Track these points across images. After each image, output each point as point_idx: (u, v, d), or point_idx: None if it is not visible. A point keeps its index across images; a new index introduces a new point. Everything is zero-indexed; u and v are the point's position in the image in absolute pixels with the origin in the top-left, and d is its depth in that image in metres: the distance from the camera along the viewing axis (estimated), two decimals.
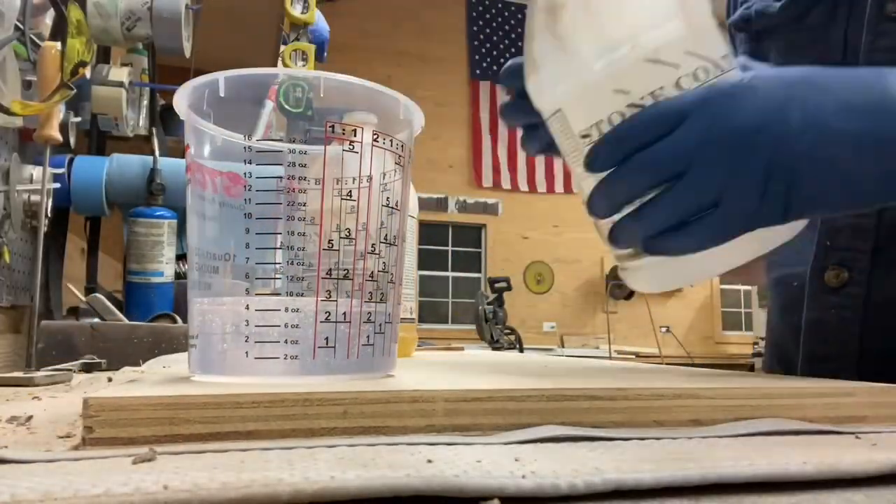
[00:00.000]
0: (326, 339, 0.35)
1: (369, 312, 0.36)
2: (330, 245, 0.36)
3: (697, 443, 0.27)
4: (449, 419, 0.28)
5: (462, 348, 1.05)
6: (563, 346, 5.36)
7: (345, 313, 0.35)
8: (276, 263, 0.35)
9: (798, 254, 0.48)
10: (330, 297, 0.35)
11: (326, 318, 0.35)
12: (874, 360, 0.54)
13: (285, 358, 0.34)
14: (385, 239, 0.38)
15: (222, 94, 0.36)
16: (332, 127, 0.36)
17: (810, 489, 0.22)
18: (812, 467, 0.22)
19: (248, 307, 0.34)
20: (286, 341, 0.34)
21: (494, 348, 3.80)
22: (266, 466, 0.21)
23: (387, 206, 0.38)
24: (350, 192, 0.36)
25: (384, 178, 0.38)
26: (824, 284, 0.56)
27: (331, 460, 0.22)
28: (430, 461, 0.22)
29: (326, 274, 0.35)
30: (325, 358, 0.35)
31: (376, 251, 0.37)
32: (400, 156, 0.39)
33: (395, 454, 0.24)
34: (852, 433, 0.29)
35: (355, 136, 0.36)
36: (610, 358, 4.39)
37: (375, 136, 0.37)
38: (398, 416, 0.27)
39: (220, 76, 0.36)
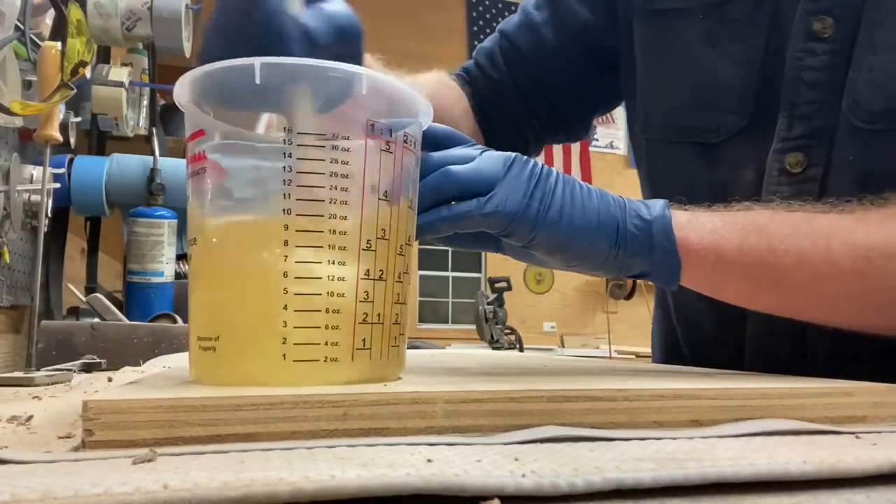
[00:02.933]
0: (363, 340, 0.34)
1: (397, 314, 0.36)
2: (368, 245, 0.35)
3: (697, 443, 0.27)
4: (449, 420, 0.28)
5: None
6: (563, 346, 5.36)
7: (379, 314, 0.35)
8: (317, 262, 0.33)
9: None
10: (367, 297, 0.35)
11: (364, 320, 0.34)
12: (823, 364, 0.56)
13: (325, 360, 0.33)
14: (408, 240, 0.38)
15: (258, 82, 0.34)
16: (373, 126, 0.35)
17: (810, 489, 0.22)
18: (812, 467, 0.22)
19: (286, 307, 0.32)
20: (326, 343, 0.33)
21: (494, 348, 3.80)
22: (266, 466, 0.21)
23: (409, 206, 0.38)
24: (386, 191, 0.36)
25: (411, 176, 0.38)
26: None
27: (331, 460, 0.22)
28: (429, 461, 0.22)
29: (365, 274, 0.35)
30: (362, 360, 0.34)
31: (403, 252, 0.37)
32: (417, 156, 0.39)
33: (395, 454, 0.24)
34: (852, 433, 0.30)
35: (391, 135, 0.36)
36: (610, 358, 4.39)
37: (405, 137, 0.37)
38: (398, 418, 0.27)
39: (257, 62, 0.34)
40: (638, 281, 5.35)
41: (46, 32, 0.97)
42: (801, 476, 0.22)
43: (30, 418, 0.32)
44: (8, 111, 0.74)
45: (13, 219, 0.96)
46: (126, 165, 1.21)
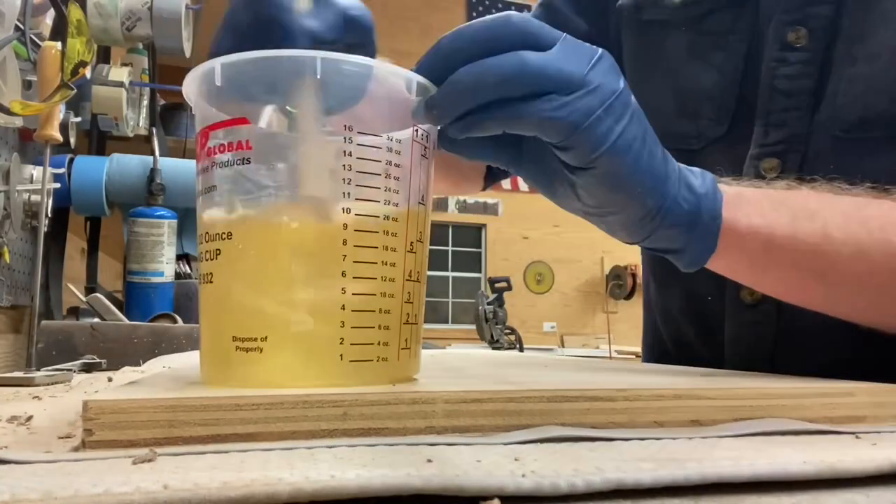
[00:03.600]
0: (406, 340, 0.34)
1: (421, 315, 0.37)
2: (411, 247, 0.35)
3: (697, 443, 0.27)
4: (449, 420, 0.28)
5: None
6: (563, 346, 5.36)
7: (416, 315, 0.36)
8: (372, 263, 0.33)
9: (707, 271, 0.49)
10: (409, 299, 0.35)
11: (406, 320, 0.34)
12: (791, 373, 0.56)
13: (377, 360, 0.33)
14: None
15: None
16: (417, 130, 0.35)
17: (810, 489, 0.22)
18: (812, 467, 0.22)
19: (343, 307, 0.32)
20: (378, 343, 0.33)
21: (494, 348, 3.80)
22: (266, 466, 0.21)
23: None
24: (423, 195, 0.36)
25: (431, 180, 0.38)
26: (740, 301, 0.58)
27: (331, 460, 0.22)
28: (429, 461, 0.22)
29: (408, 276, 0.35)
30: (403, 360, 0.34)
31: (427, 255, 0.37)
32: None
33: (395, 454, 0.24)
34: (852, 433, 0.30)
35: (427, 140, 0.36)
36: (610, 358, 4.39)
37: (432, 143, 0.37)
38: (398, 418, 0.27)
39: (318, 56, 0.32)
40: (638, 281, 5.35)
41: (46, 32, 0.98)
42: (801, 476, 0.22)
43: (30, 418, 0.32)
44: (8, 111, 0.74)
45: (13, 219, 0.96)
46: (126, 165, 1.21)
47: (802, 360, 0.56)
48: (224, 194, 0.33)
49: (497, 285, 4.27)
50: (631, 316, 5.65)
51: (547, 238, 5.81)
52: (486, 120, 0.36)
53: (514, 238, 5.80)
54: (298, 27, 0.37)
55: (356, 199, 0.32)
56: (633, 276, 5.40)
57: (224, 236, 0.33)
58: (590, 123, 0.35)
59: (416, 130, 0.35)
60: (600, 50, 0.37)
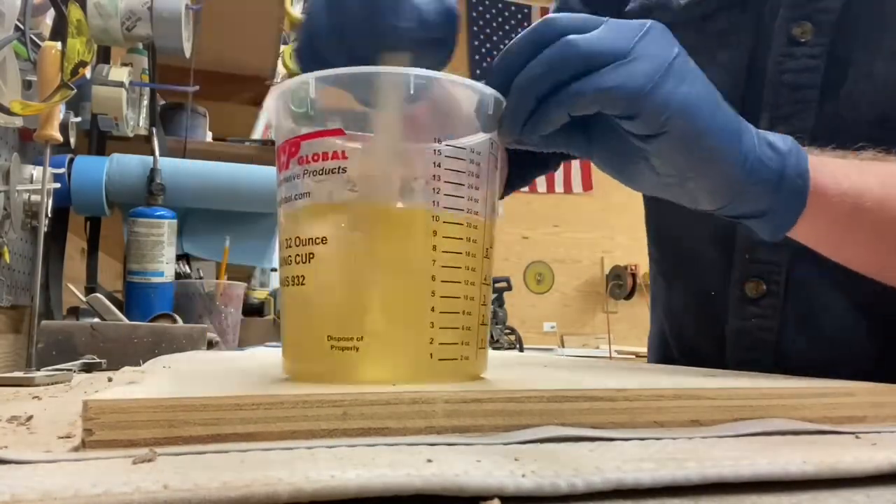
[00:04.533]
0: (482, 339, 0.37)
1: (489, 317, 0.39)
2: (486, 252, 0.37)
3: (697, 443, 0.27)
4: (449, 420, 0.28)
5: None
6: (563, 346, 5.35)
7: (487, 316, 0.38)
8: (457, 267, 0.35)
9: (713, 266, 0.49)
10: (484, 301, 0.37)
11: (482, 322, 0.37)
12: (794, 368, 0.56)
13: (461, 359, 0.35)
14: None
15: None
16: (492, 142, 0.37)
17: (810, 489, 0.22)
18: (812, 467, 0.22)
19: (433, 309, 0.34)
20: (462, 343, 0.35)
21: (494, 348, 3.81)
22: (266, 466, 0.21)
23: None
24: (494, 204, 0.38)
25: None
26: (745, 295, 0.58)
27: (331, 460, 0.22)
28: (430, 461, 0.22)
29: (483, 280, 0.37)
30: (480, 358, 0.37)
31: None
32: None
33: (396, 454, 0.24)
34: (852, 433, 0.29)
35: (497, 150, 0.38)
36: (610, 358, 4.39)
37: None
38: (398, 418, 0.27)
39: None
40: (638, 281, 5.35)
41: (46, 32, 0.98)
42: (801, 476, 0.22)
43: (30, 418, 0.32)
44: (8, 111, 0.74)
45: (13, 219, 0.96)
46: (126, 165, 1.21)
47: (806, 353, 0.56)
48: (319, 201, 0.35)
49: (497, 285, 4.27)
50: (631, 316, 5.65)
51: (547, 238, 5.81)
52: (549, 110, 0.36)
53: (514, 238, 5.79)
54: (389, 26, 0.38)
55: (444, 207, 0.35)
56: (633, 276, 5.39)
57: (319, 241, 0.34)
58: (653, 87, 0.35)
59: (492, 142, 0.37)
60: (650, 22, 0.37)
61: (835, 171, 0.42)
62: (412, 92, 0.34)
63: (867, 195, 0.42)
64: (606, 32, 0.36)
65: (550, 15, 0.37)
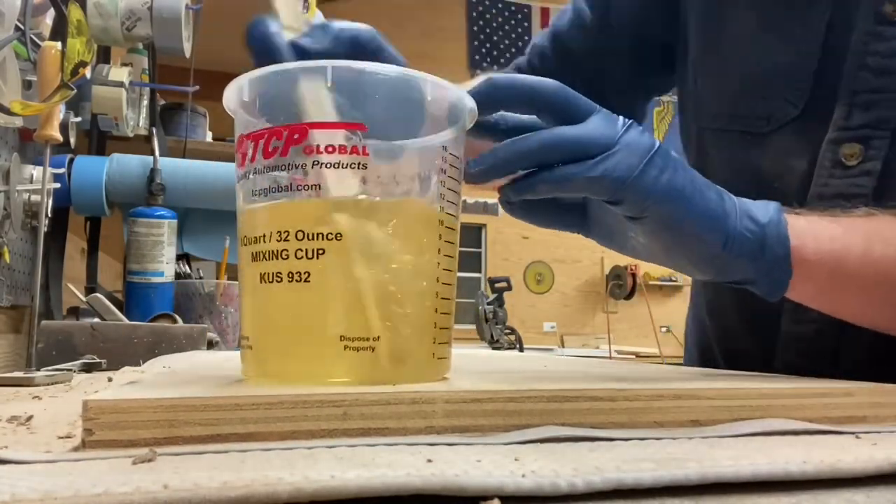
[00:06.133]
0: (451, 338, 0.38)
1: None
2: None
3: (697, 443, 0.27)
4: (449, 420, 0.28)
5: None
6: (563, 346, 5.35)
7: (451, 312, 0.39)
8: (449, 271, 0.37)
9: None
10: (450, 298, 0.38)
11: (454, 321, 0.38)
12: (850, 372, 0.55)
13: (447, 358, 0.37)
14: None
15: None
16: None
17: (810, 489, 0.22)
18: (812, 467, 0.22)
19: (436, 310, 0.35)
20: (447, 341, 0.37)
21: (494, 348, 3.80)
22: (266, 466, 0.21)
23: None
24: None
25: None
26: None
27: (331, 460, 0.22)
28: (430, 461, 0.22)
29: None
30: (451, 358, 0.38)
31: None
32: None
33: (395, 454, 0.24)
34: (852, 433, 0.29)
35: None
36: (610, 358, 4.39)
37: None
38: (398, 418, 0.27)
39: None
40: (638, 281, 5.35)
41: (46, 32, 0.98)
42: (801, 476, 0.22)
43: (30, 418, 0.32)
44: (8, 111, 0.74)
45: (13, 219, 0.96)
46: (126, 165, 1.21)
47: (866, 355, 0.53)
48: (329, 195, 0.33)
49: (497, 285, 4.27)
50: (631, 316, 5.65)
51: (547, 238, 5.80)
52: (536, 184, 0.39)
53: (513, 238, 5.79)
54: (285, 52, 0.41)
55: (447, 213, 0.36)
56: (634, 276, 5.39)
57: (331, 237, 0.33)
58: (636, 176, 0.38)
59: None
60: (629, 120, 0.40)
61: (818, 233, 0.43)
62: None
63: (851, 255, 0.43)
64: (594, 124, 0.39)
65: (556, 130, 0.39)
